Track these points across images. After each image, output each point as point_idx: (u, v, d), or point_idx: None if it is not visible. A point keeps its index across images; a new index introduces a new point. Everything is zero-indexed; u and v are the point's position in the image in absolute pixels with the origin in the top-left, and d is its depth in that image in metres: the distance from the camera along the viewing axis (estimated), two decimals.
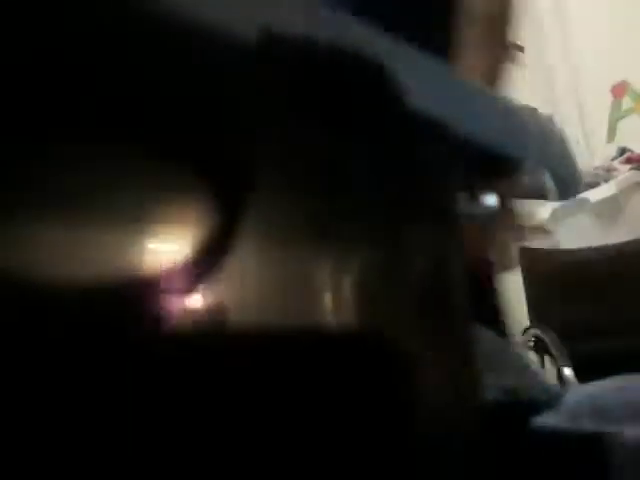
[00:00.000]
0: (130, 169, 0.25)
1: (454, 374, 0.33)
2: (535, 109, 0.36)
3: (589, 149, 2.99)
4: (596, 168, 2.61)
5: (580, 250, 2.14)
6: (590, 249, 2.12)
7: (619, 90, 2.90)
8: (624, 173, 2.45)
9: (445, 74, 0.28)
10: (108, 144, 0.24)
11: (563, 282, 1.99)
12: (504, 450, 0.37)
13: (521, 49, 3.08)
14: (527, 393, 0.45)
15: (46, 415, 0.21)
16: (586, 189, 2.42)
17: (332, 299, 0.31)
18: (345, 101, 0.24)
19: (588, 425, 0.76)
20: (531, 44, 3.12)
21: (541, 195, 0.40)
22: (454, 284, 0.34)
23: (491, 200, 0.38)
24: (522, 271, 1.97)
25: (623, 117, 2.90)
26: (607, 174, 2.51)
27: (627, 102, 2.88)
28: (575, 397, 0.92)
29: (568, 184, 0.39)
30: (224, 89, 0.24)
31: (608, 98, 2.95)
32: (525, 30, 3.13)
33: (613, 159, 2.61)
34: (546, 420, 0.43)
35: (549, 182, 0.37)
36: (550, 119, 0.36)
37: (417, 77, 0.23)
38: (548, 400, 0.46)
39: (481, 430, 0.35)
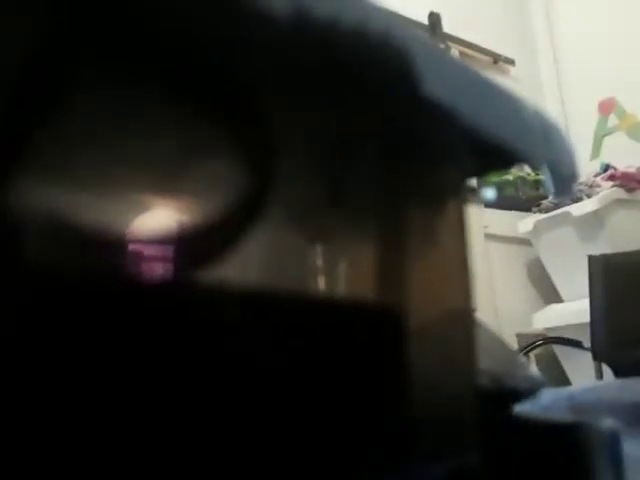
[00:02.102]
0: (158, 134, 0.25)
1: (453, 353, 0.34)
2: (536, 105, 0.36)
3: None
4: (579, 183, 2.63)
5: None
6: None
7: (606, 107, 2.94)
8: (607, 189, 2.47)
9: (456, 64, 0.28)
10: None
11: None
12: (485, 434, 0.37)
13: (512, 63, 3.11)
14: (512, 380, 0.46)
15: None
16: (569, 203, 2.44)
17: (333, 279, 0.31)
18: (363, 84, 0.25)
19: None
20: (521, 58, 3.15)
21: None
22: (453, 267, 0.34)
23: (490, 193, 0.36)
24: (594, 278, 1.90)
25: (608, 134, 2.93)
26: (590, 189, 2.53)
27: (613, 119, 2.92)
28: (555, 396, 0.92)
29: (566, 182, 0.39)
30: (251, 63, 0.24)
31: (595, 114, 2.98)
32: (517, 45, 3.15)
33: (596, 175, 2.63)
34: (526, 410, 0.44)
35: (548, 178, 0.37)
36: (551, 116, 0.36)
37: (433, 64, 0.24)
38: (531, 389, 0.47)
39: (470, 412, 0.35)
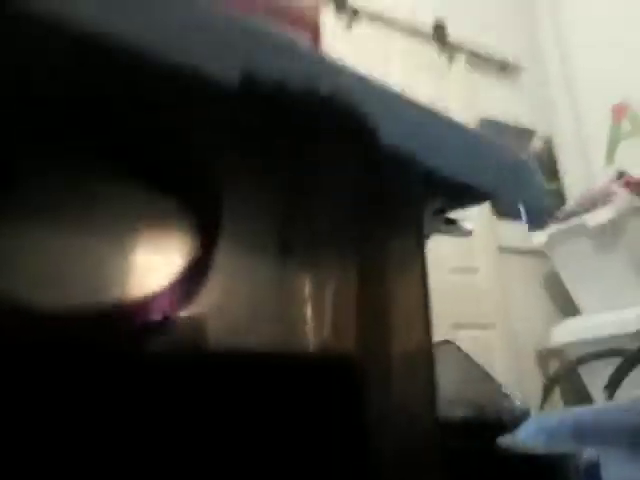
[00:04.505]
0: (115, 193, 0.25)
1: (412, 390, 0.34)
2: (506, 144, 0.37)
3: (587, 171, 2.96)
4: (594, 191, 2.57)
5: None
6: None
7: (619, 112, 2.87)
8: (623, 197, 2.40)
9: (416, 108, 0.30)
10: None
11: None
12: (470, 462, 0.39)
13: (520, 69, 3.06)
14: (495, 411, 0.48)
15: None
16: (584, 213, 2.38)
17: (305, 314, 0.32)
18: (318, 138, 0.26)
19: (567, 446, 0.78)
20: (531, 63, 3.10)
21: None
22: (419, 299, 0.35)
23: (468, 225, 0.42)
24: None
25: (623, 140, 2.87)
26: (605, 198, 2.46)
27: (626, 125, 2.85)
28: (560, 418, 0.93)
29: (538, 215, 0.43)
30: (202, 125, 0.25)
31: (607, 120, 2.91)
32: (525, 51, 3.10)
33: (611, 182, 2.56)
34: (514, 439, 0.46)
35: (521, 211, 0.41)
36: (523, 154, 0.37)
37: (389, 114, 0.25)
38: (514, 420, 0.48)
39: (450, 441, 0.37)
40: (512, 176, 0.33)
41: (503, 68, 2.98)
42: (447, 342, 0.66)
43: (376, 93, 0.26)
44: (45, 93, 0.22)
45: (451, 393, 0.46)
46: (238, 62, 0.21)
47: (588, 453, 0.42)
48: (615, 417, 0.82)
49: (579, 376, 2.32)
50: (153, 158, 0.26)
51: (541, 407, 1.93)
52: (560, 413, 1.01)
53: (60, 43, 0.19)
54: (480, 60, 2.89)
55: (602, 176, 2.74)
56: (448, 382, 0.49)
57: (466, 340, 2.26)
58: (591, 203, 2.45)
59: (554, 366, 2.38)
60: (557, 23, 3.18)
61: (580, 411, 0.95)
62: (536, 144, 3.00)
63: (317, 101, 0.23)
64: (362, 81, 0.26)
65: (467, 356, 0.66)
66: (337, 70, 0.25)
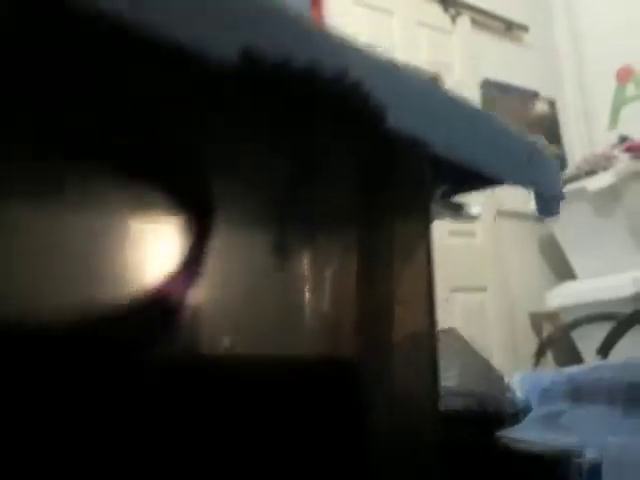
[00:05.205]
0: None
1: (413, 384, 0.34)
2: (521, 129, 0.36)
3: (589, 135, 2.93)
4: (596, 156, 2.54)
5: None
6: None
7: (624, 75, 2.82)
8: (624, 162, 2.38)
9: (428, 89, 0.28)
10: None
11: None
12: (468, 455, 0.39)
13: (526, 29, 3.00)
14: (497, 405, 0.47)
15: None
16: (585, 177, 2.36)
17: (303, 299, 0.31)
18: (325, 118, 0.25)
19: (561, 404, 0.78)
20: (537, 24, 3.03)
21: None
22: (424, 286, 0.34)
23: (475, 209, 0.41)
24: None
25: (627, 104, 2.83)
26: (607, 162, 2.44)
27: (631, 89, 2.81)
28: (554, 377, 0.94)
29: (550, 202, 0.40)
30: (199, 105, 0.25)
31: (612, 83, 2.87)
32: (531, 11, 3.03)
33: (613, 147, 2.54)
34: (513, 430, 0.46)
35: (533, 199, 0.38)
36: (537, 138, 0.37)
37: (398, 93, 0.24)
38: (515, 414, 0.48)
39: (450, 433, 0.36)
40: (524, 161, 0.33)
41: (508, 28, 2.92)
42: (450, 329, 0.65)
43: (384, 73, 0.25)
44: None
45: (452, 383, 0.46)
46: (238, 40, 0.21)
47: (590, 453, 0.41)
48: (609, 375, 0.83)
49: (572, 340, 2.34)
50: (140, 146, 0.25)
51: (534, 369, 1.96)
52: (554, 372, 1.02)
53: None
54: (485, 19, 2.83)
55: (604, 140, 2.71)
56: (449, 371, 0.49)
57: (462, 302, 2.28)
58: (592, 167, 2.43)
59: (548, 329, 2.40)
60: None
61: (574, 370, 0.95)
62: (539, 107, 2.95)
63: (322, 81, 0.22)
64: (370, 60, 0.25)
65: (468, 345, 0.65)
66: (343, 48, 0.24)
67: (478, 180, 0.32)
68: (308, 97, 0.23)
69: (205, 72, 0.21)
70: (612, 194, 2.29)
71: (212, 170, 0.27)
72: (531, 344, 2.34)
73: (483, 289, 2.38)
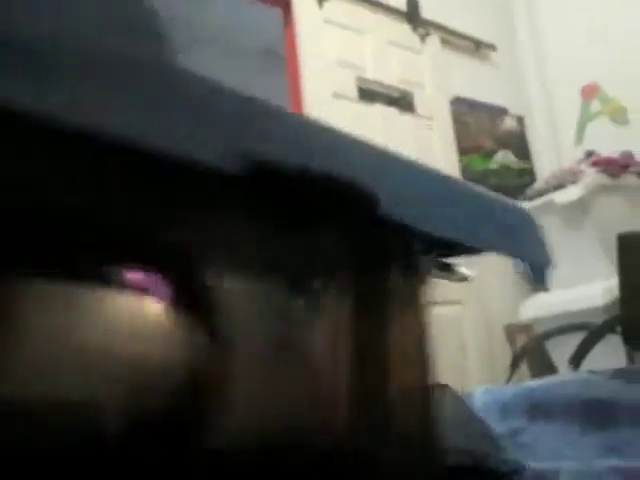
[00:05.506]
0: None
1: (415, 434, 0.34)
2: (508, 199, 0.37)
3: (557, 150, 3.00)
4: (563, 170, 2.61)
5: None
6: None
7: (589, 91, 2.91)
8: (590, 175, 2.45)
9: (414, 171, 0.29)
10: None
11: None
12: None
13: (493, 48, 3.07)
14: (490, 461, 0.47)
15: None
16: (553, 191, 2.42)
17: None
18: (320, 210, 0.26)
19: (517, 421, 0.76)
20: (504, 43, 3.11)
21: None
22: (409, 347, 0.35)
23: (466, 271, 0.43)
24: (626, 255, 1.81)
25: (592, 120, 2.91)
26: (574, 176, 2.50)
27: (596, 105, 2.89)
28: (515, 391, 0.94)
29: (541, 270, 0.43)
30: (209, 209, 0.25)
31: (578, 100, 2.95)
32: (498, 31, 3.11)
33: (580, 161, 2.61)
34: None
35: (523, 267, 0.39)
36: (523, 209, 0.37)
37: (387, 182, 0.26)
38: (508, 472, 0.48)
39: None
40: (511, 233, 0.34)
41: (477, 48, 2.99)
42: (442, 385, 0.64)
43: (375, 160, 0.26)
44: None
45: (446, 440, 0.45)
46: (236, 146, 0.21)
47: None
48: (566, 391, 0.83)
49: (547, 350, 2.38)
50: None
51: (508, 381, 1.98)
52: (515, 387, 1.01)
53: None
54: (454, 39, 2.90)
55: (571, 155, 2.78)
56: (443, 427, 0.47)
57: (437, 316, 2.30)
58: (560, 182, 2.49)
59: (522, 341, 2.43)
60: (530, 4, 3.20)
61: (534, 384, 0.95)
62: (508, 123, 3.02)
63: (316, 178, 0.23)
64: (361, 149, 0.26)
65: (462, 401, 0.64)
66: (334, 140, 0.25)
67: (464, 250, 0.34)
68: (308, 195, 0.24)
69: (208, 178, 0.21)
70: (580, 207, 2.34)
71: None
72: (507, 356, 2.36)
73: (458, 302, 2.40)
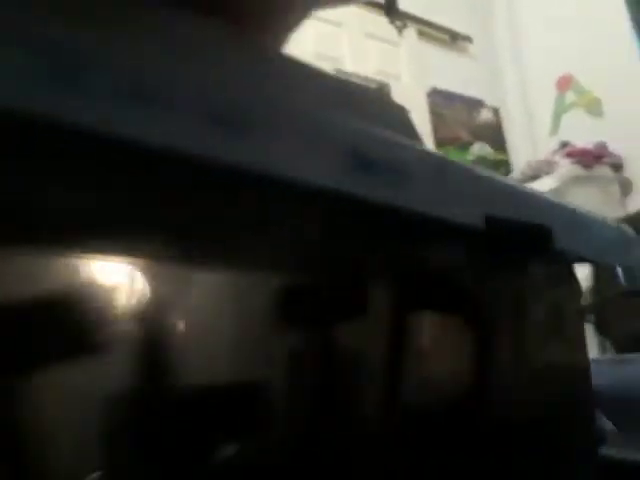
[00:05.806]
0: None
1: None
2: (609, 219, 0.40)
3: (533, 141, 3.03)
4: (538, 161, 2.64)
5: None
6: None
7: (563, 83, 2.94)
8: (565, 166, 2.48)
9: (578, 218, 0.33)
10: None
11: None
12: None
13: (470, 40, 3.09)
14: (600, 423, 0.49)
15: None
16: (529, 182, 2.45)
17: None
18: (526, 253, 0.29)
19: None
20: (480, 37, 3.13)
21: None
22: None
23: None
24: None
25: (567, 111, 2.95)
26: (549, 167, 2.54)
27: (570, 96, 2.93)
28: None
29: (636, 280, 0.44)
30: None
31: (553, 91, 2.99)
32: (474, 23, 3.13)
33: (555, 152, 2.64)
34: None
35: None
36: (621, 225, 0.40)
37: (564, 226, 0.30)
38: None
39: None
40: (622, 249, 0.38)
41: (453, 40, 3.01)
42: None
43: (559, 212, 0.31)
44: None
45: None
46: (480, 207, 0.24)
47: None
48: None
49: None
50: None
51: None
52: None
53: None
54: (431, 31, 2.91)
55: (547, 146, 2.82)
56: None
57: None
58: (535, 172, 2.52)
59: None
60: None
61: None
62: (485, 114, 3.05)
63: (525, 231, 0.27)
64: (547, 203, 0.30)
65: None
66: (531, 195, 0.29)
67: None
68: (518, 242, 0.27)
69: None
70: (555, 197, 2.38)
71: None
72: None
73: None
